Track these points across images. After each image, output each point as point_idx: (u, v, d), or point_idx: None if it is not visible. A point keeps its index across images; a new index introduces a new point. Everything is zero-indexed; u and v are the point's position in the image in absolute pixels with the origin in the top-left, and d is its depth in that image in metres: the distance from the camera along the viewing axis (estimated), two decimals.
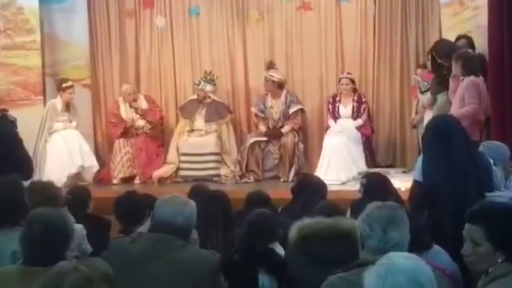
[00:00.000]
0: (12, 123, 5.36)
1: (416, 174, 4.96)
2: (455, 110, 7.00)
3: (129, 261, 3.52)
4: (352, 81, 9.14)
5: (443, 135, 4.86)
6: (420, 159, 4.97)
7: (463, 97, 6.94)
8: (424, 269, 2.36)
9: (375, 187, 5.37)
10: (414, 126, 8.64)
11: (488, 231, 2.93)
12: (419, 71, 8.54)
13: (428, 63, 8.18)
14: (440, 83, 7.64)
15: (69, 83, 9.26)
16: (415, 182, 4.94)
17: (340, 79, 9.22)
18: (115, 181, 9.41)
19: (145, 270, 3.49)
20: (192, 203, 3.68)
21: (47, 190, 4.61)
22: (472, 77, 6.98)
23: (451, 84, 7.28)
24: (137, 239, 3.64)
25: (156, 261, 3.49)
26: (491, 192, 4.79)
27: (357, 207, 4.50)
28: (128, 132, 9.53)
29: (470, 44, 7.67)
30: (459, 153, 4.77)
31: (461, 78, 7.06)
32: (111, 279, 3.03)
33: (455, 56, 7.25)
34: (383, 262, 2.38)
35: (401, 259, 2.41)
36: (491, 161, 5.05)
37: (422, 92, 8.18)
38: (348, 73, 9.27)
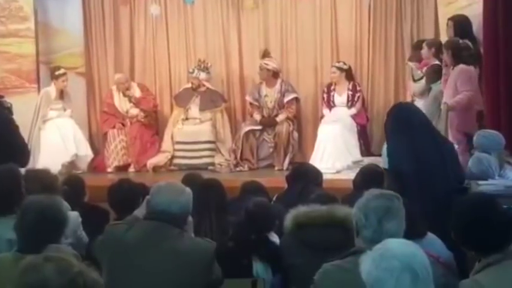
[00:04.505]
0: (8, 109, 5.34)
1: (382, 162, 4.96)
2: (448, 99, 7.05)
3: (124, 249, 3.50)
4: (341, 69, 9.11)
5: (405, 123, 4.92)
6: (385, 147, 4.98)
7: (455, 85, 6.99)
8: (419, 256, 2.37)
9: (367, 182, 5.35)
10: None
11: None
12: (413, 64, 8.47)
13: (423, 51, 8.18)
14: (437, 71, 7.66)
15: (62, 71, 9.24)
16: (384, 170, 4.93)
17: None
18: (109, 169, 9.40)
19: (141, 258, 3.47)
20: (188, 191, 3.66)
21: (43, 178, 4.61)
22: (462, 65, 7.03)
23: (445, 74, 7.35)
24: (132, 226, 3.63)
25: (151, 249, 3.47)
26: (460, 176, 4.88)
27: (347, 202, 4.49)
28: (121, 123, 9.54)
29: (459, 26, 7.67)
30: (422, 139, 4.84)
31: (452, 67, 7.11)
32: (79, 258, 3.04)
33: (445, 46, 7.34)
34: (379, 247, 2.40)
35: (397, 245, 2.42)
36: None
37: (415, 81, 8.19)
38: (338, 62, 9.26)
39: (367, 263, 2.36)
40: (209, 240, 3.73)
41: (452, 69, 7.11)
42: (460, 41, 7.39)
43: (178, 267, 3.44)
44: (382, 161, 5.00)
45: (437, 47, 7.90)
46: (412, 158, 4.70)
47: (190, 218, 3.77)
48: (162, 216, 3.52)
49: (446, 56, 7.30)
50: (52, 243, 3.24)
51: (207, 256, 3.55)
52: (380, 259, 2.35)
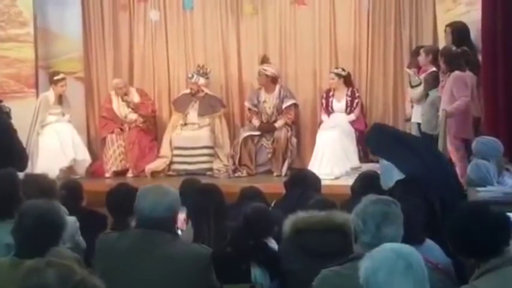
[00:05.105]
0: (7, 114, 5.34)
1: (393, 177, 4.84)
2: (445, 105, 7.07)
3: (116, 258, 3.46)
4: (340, 75, 9.12)
5: (397, 135, 4.97)
6: (386, 166, 4.90)
7: (451, 92, 7.04)
8: (415, 254, 2.41)
9: (365, 188, 5.32)
10: (408, 120, 8.64)
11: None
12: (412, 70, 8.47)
13: (420, 58, 8.20)
14: (435, 78, 7.69)
15: (61, 76, 9.25)
16: (398, 183, 4.84)
17: None
18: (107, 174, 9.39)
19: (134, 266, 3.42)
20: (173, 192, 3.59)
21: (42, 182, 4.61)
22: (457, 72, 7.07)
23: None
24: (123, 234, 3.58)
25: (143, 257, 3.42)
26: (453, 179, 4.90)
27: (346, 208, 4.48)
28: (120, 128, 9.54)
29: (457, 33, 7.69)
30: (420, 149, 4.85)
31: (448, 74, 7.16)
32: (82, 263, 3.02)
33: (439, 53, 7.40)
34: (377, 248, 2.43)
35: (395, 244, 2.49)
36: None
37: (412, 87, 8.20)
38: (336, 68, 9.27)
39: (364, 262, 2.38)
40: (204, 246, 3.69)
41: (448, 76, 7.16)
42: (454, 48, 7.42)
43: (172, 274, 3.39)
44: (382, 180, 4.92)
45: (434, 54, 7.92)
46: (419, 161, 4.70)
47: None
48: (149, 222, 3.46)
49: (441, 64, 7.37)
50: (50, 248, 3.23)
51: (202, 262, 3.50)
52: (376, 253, 2.40)
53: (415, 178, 4.61)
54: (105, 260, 3.50)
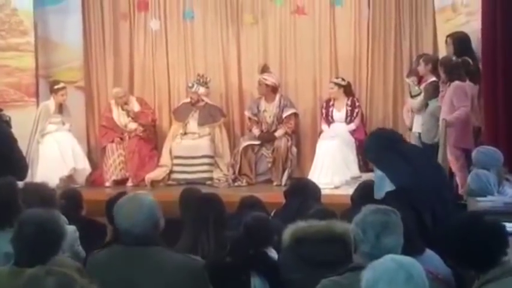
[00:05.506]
0: (7, 123, 5.34)
1: (385, 188, 4.82)
2: (445, 115, 7.09)
3: (109, 275, 3.37)
4: (339, 85, 9.12)
5: (391, 139, 4.98)
6: (379, 175, 4.88)
7: (451, 102, 7.06)
8: (417, 266, 2.41)
9: (365, 198, 5.31)
10: (409, 129, 8.65)
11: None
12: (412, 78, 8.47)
13: (419, 68, 8.21)
14: (436, 88, 7.71)
15: (61, 85, 9.25)
16: (388, 194, 4.78)
17: None
18: (107, 184, 9.39)
19: (127, 282, 3.36)
20: (149, 201, 3.45)
21: (42, 191, 4.60)
22: (457, 82, 7.09)
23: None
24: (111, 251, 3.50)
25: (135, 272, 3.35)
26: (448, 188, 4.91)
27: (346, 217, 4.48)
28: (120, 137, 9.55)
29: (459, 43, 7.70)
30: (413, 154, 4.85)
31: (448, 84, 7.17)
32: (83, 272, 3.01)
33: (439, 63, 7.43)
34: (379, 260, 2.42)
35: (397, 256, 2.49)
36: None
37: (412, 97, 8.21)
38: (336, 77, 9.28)
39: (366, 273, 2.38)
40: (196, 257, 3.62)
41: (448, 86, 7.18)
42: (453, 57, 7.45)
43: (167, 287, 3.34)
44: (375, 192, 4.89)
45: (434, 63, 7.93)
46: (412, 172, 4.69)
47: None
48: (133, 238, 3.38)
49: (441, 74, 7.39)
50: (49, 257, 3.23)
51: (197, 274, 3.42)
52: (378, 264, 2.40)
53: (405, 189, 4.61)
54: (97, 278, 3.44)
